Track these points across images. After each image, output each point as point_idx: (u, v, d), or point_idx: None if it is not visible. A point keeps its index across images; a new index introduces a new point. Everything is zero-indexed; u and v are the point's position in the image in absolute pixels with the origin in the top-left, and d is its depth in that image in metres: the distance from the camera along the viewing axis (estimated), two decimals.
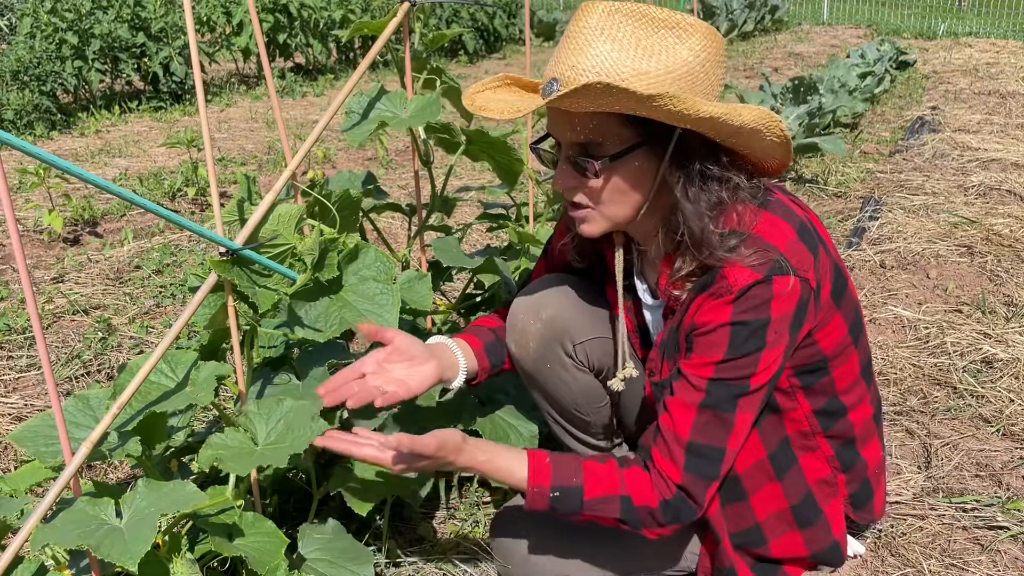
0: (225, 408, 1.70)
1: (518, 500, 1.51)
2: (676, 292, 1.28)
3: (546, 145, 1.34)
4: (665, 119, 1.14)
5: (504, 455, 1.30)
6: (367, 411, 1.68)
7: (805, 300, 1.21)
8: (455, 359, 1.50)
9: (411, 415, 1.66)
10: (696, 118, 1.11)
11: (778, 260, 1.18)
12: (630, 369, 1.45)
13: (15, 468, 2.05)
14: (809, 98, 4.58)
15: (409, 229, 1.88)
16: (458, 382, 1.51)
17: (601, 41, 1.13)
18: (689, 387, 1.24)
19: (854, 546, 1.61)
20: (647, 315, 1.48)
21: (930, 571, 1.64)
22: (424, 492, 1.68)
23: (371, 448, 1.27)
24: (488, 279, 2.02)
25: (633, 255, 1.46)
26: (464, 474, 1.85)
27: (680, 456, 1.24)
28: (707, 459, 1.24)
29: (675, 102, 1.08)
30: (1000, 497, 1.85)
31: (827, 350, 1.32)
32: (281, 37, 7.64)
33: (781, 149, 1.23)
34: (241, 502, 1.32)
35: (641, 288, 1.46)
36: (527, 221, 2.12)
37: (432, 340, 1.52)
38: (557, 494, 1.27)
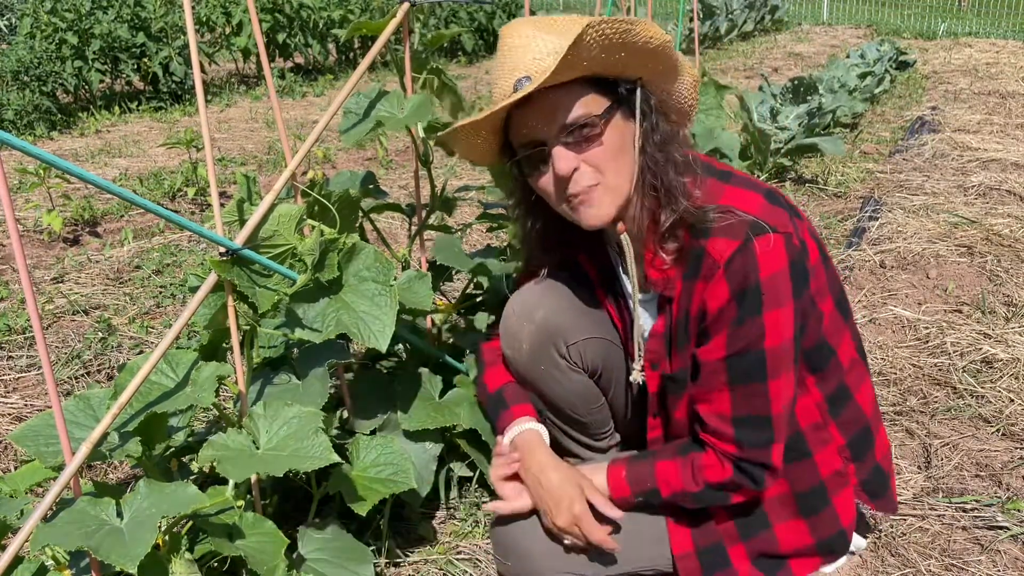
0: (225, 408, 1.70)
1: None
2: (664, 266, 1.31)
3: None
4: (638, 53, 1.21)
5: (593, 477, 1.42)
6: (368, 411, 1.69)
7: (795, 256, 1.24)
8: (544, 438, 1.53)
9: (415, 409, 1.66)
10: (660, 42, 1.20)
11: (753, 221, 1.22)
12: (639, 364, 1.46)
13: (15, 468, 2.05)
14: (809, 98, 4.58)
15: (409, 229, 1.88)
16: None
17: (543, 35, 1.23)
18: (712, 373, 1.30)
19: (856, 540, 1.61)
20: (640, 310, 1.49)
21: (930, 571, 1.64)
22: (424, 492, 1.68)
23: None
24: (488, 279, 2.03)
25: (615, 254, 1.48)
26: (463, 474, 1.85)
27: (730, 431, 1.31)
28: (757, 427, 1.30)
29: (646, 27, 1.18)
30: (1000, 497, 1.85)
31: (825, 322, 1.35)
32: (280, 37, 7.64)
33: (693, 90, 1.35)
34: (241, 502, 1.32)
35: (628, 285, 1.47)
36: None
37: (517, 431, 1.51)
38: (640, 499, 1.41)
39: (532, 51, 1.22)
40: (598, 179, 1.26)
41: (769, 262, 1.21)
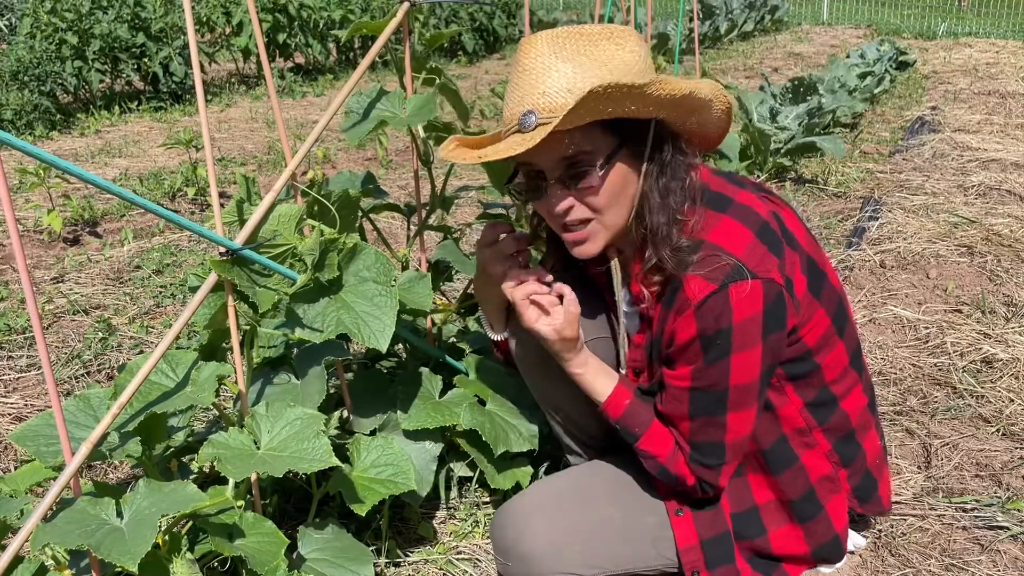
0: (225, 408, 1.70)
1: (516, 499, 1.52)
2: (647, 290, 1.32)
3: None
4: (650, 105, 1.17)
5: (599, 375, 1.42)
6: (368, 411, 1.69)
7: (774, 299, 1.23)
8: None
9: (415, 409, 1.66)
10: (678, 96, 1.17)
11: (735, 266, 1.21)
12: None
13: (15, 468, 2.05)
14: (809, 98, 4.58)
15: (408, 229, 1.88)
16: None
17: (558, 63, 1.18)
18: (675, 399, 1.34)
19: (855, 539, 1.61)
20: (628, 320, 1.50)
21: (930, 571, 1.64)
22: (424, 492, 1.68)
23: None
24: None
25: (613, 270, 1.49)
26: (463, 474, 1.84)
27: (687, 450, 1.36)
28: (710, 453, 1.35)
29: (662, 85, 1.14)
30: (1000, 497, 1.85)
31: (811, 343, 1.35)
32: (281, 37, 7.64)
33: (726, 118, 1.29)
34: (241, 502, 1.32)
35: (620, 298, 1.48)
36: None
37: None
38: (618, 427, 1.42)
39: (543, 83, 1.18)
40: (594, 215, 1.27)
41: (743, 308, 1.21)
